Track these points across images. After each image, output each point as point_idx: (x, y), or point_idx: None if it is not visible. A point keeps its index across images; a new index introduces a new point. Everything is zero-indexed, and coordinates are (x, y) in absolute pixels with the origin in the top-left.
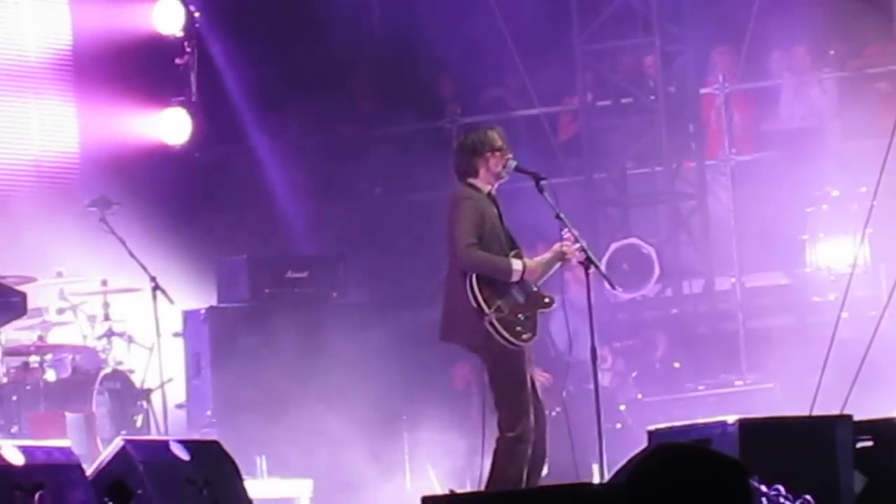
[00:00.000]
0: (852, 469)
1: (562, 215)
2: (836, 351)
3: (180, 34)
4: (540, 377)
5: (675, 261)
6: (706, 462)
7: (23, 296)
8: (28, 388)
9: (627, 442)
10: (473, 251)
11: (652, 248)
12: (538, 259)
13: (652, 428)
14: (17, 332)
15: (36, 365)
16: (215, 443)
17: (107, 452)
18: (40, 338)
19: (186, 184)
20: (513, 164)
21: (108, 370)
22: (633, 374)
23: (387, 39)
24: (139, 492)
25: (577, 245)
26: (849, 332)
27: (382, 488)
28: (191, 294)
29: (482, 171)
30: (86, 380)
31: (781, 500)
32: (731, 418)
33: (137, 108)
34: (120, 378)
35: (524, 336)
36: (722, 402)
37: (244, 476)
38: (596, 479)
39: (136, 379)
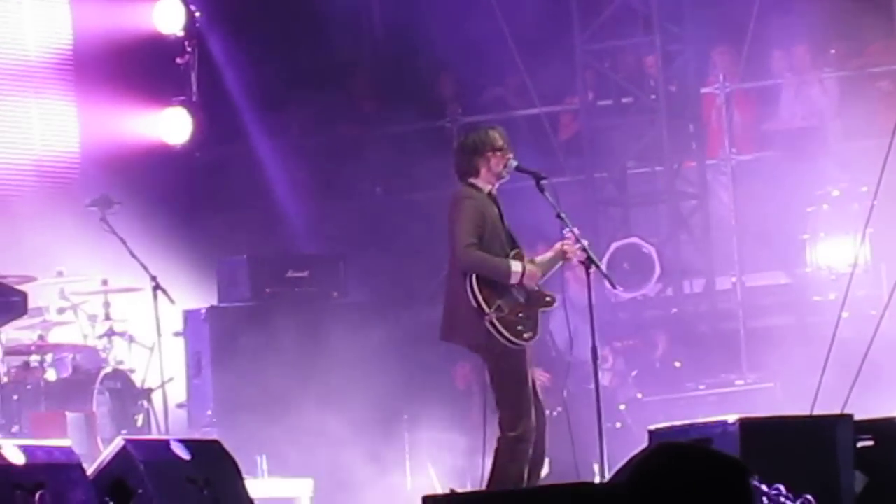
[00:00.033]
0: (853, 469)
1: (562, 215)
2: (837, 350)
3: (181, 34)
4: (540, 377)
5: (675, 260)
6: (706, 462)
7: (23, 295)
8: (29, 387)
9: (628, 441)
10: (472, 251)
11: (652, 248)
12: (540, 259)
13: (652, 427)
14: (17, 332)
15: (36, 364)
16: (216, 442)
17: (107, 452)
18: (41, 337)
19: (187, 183)
20: (513, 163)
21: (108, 370)
22: (633, 374)
23: (387, 39)
24: (140, 491)
25: (578, 244)
26: (849, 331)
27: (383, 488)
28: (191, 293)
29: (483, 171)
30: (86, 379)
31: (782, 499)
32: (731, 418)
33: (138, 107)
34: (120, 377)
35: (525, 335)
36: (722, 402)
37: (245, 476)
38: (597, 479)
39: (137, 378)
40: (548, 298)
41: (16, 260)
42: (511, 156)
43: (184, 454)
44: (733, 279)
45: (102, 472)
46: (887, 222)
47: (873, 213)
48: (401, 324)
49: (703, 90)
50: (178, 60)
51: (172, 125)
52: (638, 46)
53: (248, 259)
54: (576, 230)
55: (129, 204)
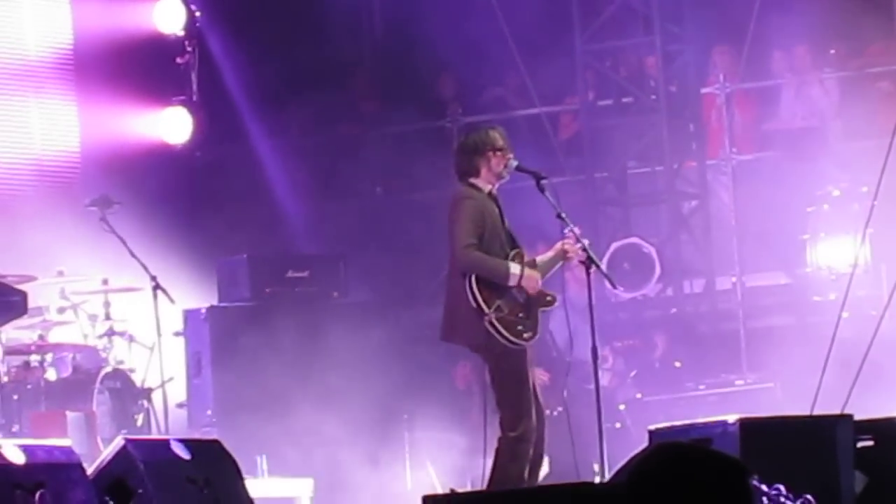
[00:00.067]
0: (853, 469)
1: (563, 214)
2: (837, 350)
3: (181, 33)
4: (540, 377)
5: (675, 260)
6: (707, 462)
7: (23, 295)
8: (29, 387)
9: (628, 441)
10: (471, 252)
11: (653, 248)
12: (540, 259)
13: (652, 427)
14: (17, 332)
15: (36, 364)
16: (216, 442)
17: (107, 451)
18: (41, 337)
19: (187, 183)
20: (514, 163)
21: (108, 369)
22: (633, 374)
23: (387, 39)
24: (140, 491)
25: (579, 244)
26: (849, 331)
27: (383, 488)
28: (191, 293)
29: (483, 171)
30: (86, 379)
31: (782, 499)
32: (731, 418)
33: (138, 107)
34: (120, 377)
35: (525, 335)
36: (722, 402)
37: (244, 475)
38: (597, 479)
39: (137, 378)
40: (548, 298)
41: (16, 259)
42: (511, 156)
43: (184, 454)
44: (733, 279)
45: (102, 471)
46: (887, 222)
47: (873, 213)
48: (401, 324)
49: (704, 90)
50: (178, 60)
51: (172, 125)
52: (638, 46)
53: (248, 259)
54: (576, 230)
55: (129, 204)
